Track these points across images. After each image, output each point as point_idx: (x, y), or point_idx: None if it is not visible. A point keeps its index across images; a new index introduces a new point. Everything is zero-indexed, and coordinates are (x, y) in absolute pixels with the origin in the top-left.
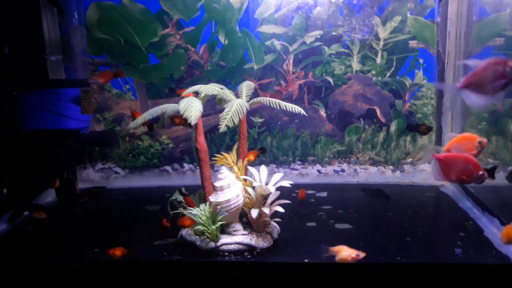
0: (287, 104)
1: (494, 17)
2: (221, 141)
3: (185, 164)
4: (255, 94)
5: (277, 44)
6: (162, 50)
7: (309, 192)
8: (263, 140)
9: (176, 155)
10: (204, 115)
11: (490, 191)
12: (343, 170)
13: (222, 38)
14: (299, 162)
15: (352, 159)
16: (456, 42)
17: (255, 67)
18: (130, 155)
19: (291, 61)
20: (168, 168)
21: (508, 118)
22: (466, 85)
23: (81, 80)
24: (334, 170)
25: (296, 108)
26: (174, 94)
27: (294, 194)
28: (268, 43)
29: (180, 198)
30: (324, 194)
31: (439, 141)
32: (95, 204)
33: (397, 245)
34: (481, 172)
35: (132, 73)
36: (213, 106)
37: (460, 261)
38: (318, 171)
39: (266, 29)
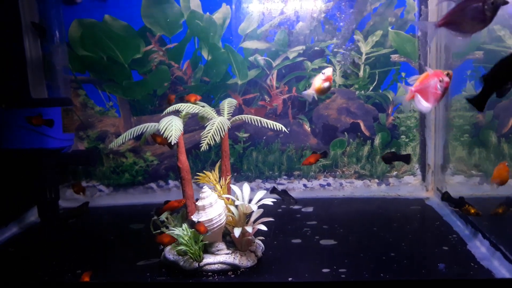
0: (268, 121)
1: None
2: (206, 157)
3: (170, 181)
4: (239, 109)
5: (260, 59)
6: (145, 66)
7: (295, 207)
8: (248, 155)
9: (161, 171)
10: (188, 131)
11: (473, 203)
12: (329, 184)
13: (205, 54)
14: (285, 177)
15: (337, 173)
16: (437, 56)
17: (239, 82)
18: (114, 173)
19: (274, 76)
20: (153, 185)
21: (490, 130)
22: (445, 23)
23: (62, 99)
24: (320, 184)
25: (278, 125)
26: (158, 111)
27: (280, 210)
28: (251, 58)
29: (163, 217)
30: (310, 209)
31: (423, 153)
32: (78, 223)
33: (381, 261)
34: (441, 77)
35: (115, 90)
36: (197, 122)
37: (443, 277)
38: (304, 185)
39: (249, 44)
